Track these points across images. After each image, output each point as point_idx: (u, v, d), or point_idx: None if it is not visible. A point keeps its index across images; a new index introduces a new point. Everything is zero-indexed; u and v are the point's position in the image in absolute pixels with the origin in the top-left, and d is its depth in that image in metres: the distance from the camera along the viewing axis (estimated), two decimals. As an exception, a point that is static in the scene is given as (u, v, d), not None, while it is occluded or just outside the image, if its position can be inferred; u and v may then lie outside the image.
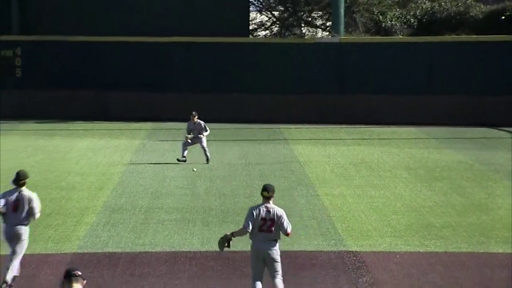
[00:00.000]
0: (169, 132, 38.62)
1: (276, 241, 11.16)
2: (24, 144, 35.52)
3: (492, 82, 43.76)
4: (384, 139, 37.75)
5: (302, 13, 56.31)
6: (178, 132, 33.94)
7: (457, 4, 49.26)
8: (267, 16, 57.41)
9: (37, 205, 12.62)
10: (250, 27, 52.63)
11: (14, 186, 12.99)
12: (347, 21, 51.35)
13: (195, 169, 27.28)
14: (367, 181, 25.81)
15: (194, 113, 28.83)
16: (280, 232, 11.14)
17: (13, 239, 12.56)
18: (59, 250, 13.54)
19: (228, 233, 11.53)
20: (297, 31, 57.26)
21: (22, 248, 12.74)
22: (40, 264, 14.14)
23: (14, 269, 12.70)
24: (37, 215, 12.67)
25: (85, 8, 46.35)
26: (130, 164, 29.06)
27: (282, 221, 11.17)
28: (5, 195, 12.82)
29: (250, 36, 51.62)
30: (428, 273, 15.06)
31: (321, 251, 16.88)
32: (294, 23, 57.44)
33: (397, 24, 49.50)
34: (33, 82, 44.38)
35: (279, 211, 11.27)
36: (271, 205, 11.29)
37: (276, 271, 11.17)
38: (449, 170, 27.95)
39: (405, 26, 50.37)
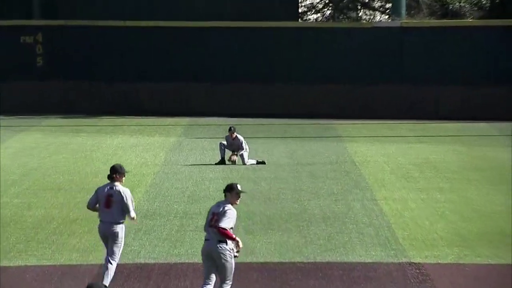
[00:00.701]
0: (207, 129, 38.97)
1: (224, 241, 11.53)
2: (46, 142, 36.58)
3: None
4: (450, 136, 37.77)
5: (358, -6, 56.87)
6: (218, 128, 34.31)
7: (535, -17, 49.26)
8: (318, -3, 58.10)
9: (130, 203, 13.02)
10: (300, 10, 53.13)
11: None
12: (409, 3, 51.70)
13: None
14: (431, 184, 25.97)
15: (232, 128, 29.34)
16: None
17: (108, 237, 13.29)
18: (84, 260, 13.75)
19: None
20: (353, 14, 57.83)
21: (119, 249, 13.28)
22: (64, 276, 14.35)
23: (111, 272, 13.22)
24: (132, 213, 13.07)
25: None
26: (165, 164, 29.43)
27: (223, 215, 11.51)
28: (97, 191, 13.45)
29: (299, 20, 52.04)
30: (501, 287, 15.02)
31: (379, 262, 16.87)
32: (349, 5, 57.98)
33: (467, 6, 49.72)
34: (55, 72, 45.49)
35: (228, 207, 11.63)
36: (225, 202, 11.68)
37: (224, 276, 11.57)
38: (525, 172, 27.63)
39: (476, 8, 50.56)
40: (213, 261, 11.65)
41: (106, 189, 13.17)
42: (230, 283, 11.81)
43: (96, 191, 13.41)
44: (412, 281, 15.71)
